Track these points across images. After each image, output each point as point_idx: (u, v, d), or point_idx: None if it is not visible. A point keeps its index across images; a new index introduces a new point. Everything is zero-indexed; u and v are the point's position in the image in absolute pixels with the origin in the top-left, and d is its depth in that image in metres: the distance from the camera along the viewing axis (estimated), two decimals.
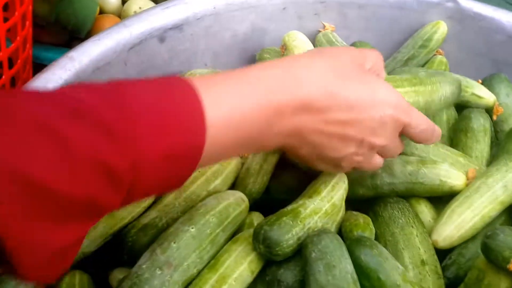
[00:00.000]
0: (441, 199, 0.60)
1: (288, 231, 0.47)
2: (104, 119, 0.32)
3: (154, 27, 0.70)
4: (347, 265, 0.46)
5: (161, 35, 0.71)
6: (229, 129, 0.38)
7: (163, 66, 0.73)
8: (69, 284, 0.48)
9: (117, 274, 0.50)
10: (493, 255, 0.46)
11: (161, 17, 0.71)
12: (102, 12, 0.94)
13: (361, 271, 0.47)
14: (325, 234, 0.47)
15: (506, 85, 0.76)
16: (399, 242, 0.54)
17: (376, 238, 0.55)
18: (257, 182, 0.55)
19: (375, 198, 0.61)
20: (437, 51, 0.83)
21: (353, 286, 0.45)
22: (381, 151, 0.50)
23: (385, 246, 0.53)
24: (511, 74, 0.79)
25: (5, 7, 0.63)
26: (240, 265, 0.47)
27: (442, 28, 0.81)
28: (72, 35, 0.86)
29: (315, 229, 0.50)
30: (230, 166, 0.56)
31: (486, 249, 0.47)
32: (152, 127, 0.34)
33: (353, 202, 0.61)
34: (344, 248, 0.48)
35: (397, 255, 0.52)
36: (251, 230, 0.49)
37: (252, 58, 0.81)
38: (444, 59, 0.82)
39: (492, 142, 0.70)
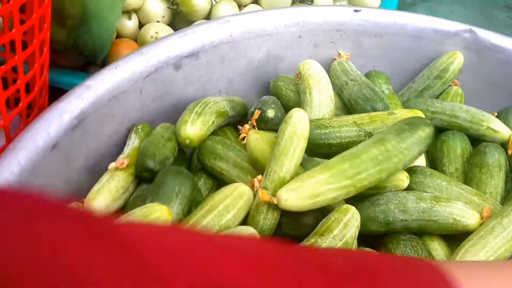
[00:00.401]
0: (455, 236, 0.59)
1: None
2: None
3: (170, 55, 0.70)
4: None
5: (177, 63, 0.71)
6: None
7: (178, 93, 0.73)
8: None
9: None
10: None
11: (178, 45, 0.71)
12: (118, 36, 0.94)
13: None
14: None
15: None
16: None
17: None
18: (268, 218, 0.55)
19: (388, 234, 0.60)
20: (453, 82, 0.82)
21: None
22: None
23: None
24: None
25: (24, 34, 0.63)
26: None
27: (458, 59, 0.80)
28: (88, 60, 0.87)
29: None
30: (242, 200, 0.56)
31: None
32: None
33: (365, 237, 0.61)
34: None
35: None
36: None
37: (266, 85, 0.81)
38: (460, 90, 0.82)
39: (507, 177, 0.69)
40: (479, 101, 0.80)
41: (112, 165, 0.62)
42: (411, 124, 0.60)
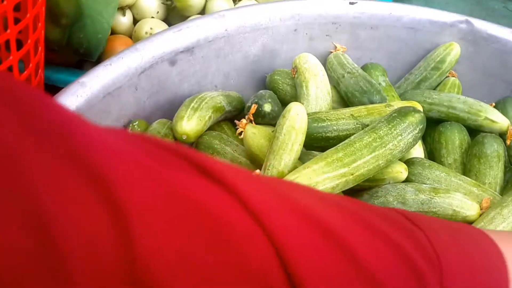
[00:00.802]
0: None
1: None
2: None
3: (165, 51, 0.70)
4: None
5: (172, 58, 0.71)
6: None
7: (174, 89, 0.73)
8: None
9: None
10: None
11: (173, 40, 0.71)
12: (113, 32, 0.94)
13: None
14: None
15: None
16: None
17: None
18: None
19: None
20: (450, 73, 0.82)
21: None
22: None
23: None
24: None
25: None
26: None
27: (455, 50, 0.80)
28: (83, 58, 0.86)
29: None
30: None
31: None
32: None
33: None
34: None
35: None
36: None
37: (262, 80, 0.81)
38: (457, 81, 0.81)
39: (506, 167, 0.69)
40: (476, 92, 0.80)
41: None
42: (400, 112, 0.60)
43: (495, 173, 0.67)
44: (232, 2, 1.01)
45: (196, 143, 0.67)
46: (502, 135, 0.72)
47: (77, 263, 0.20)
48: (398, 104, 0.68)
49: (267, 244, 0.25)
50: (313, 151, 0.63)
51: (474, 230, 0.38)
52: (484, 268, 0.34)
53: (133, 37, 0.94)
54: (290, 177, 0.53)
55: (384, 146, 0.56)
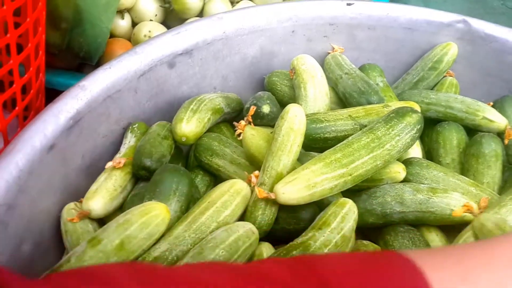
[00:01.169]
0: (453, 227, 0.60)
1: None
2: None
3: (164, 54, 0.70)
4: None
5: (171, 61, 0.71)
6: None
7: (173, 91, 0.73)
8: None
9: None
10: None
11: (172, 43, 0.71)
12: (112, 35, 0.94)
13: None
14: None
15: None
16: None
17: None
18: (266, 213, 0.55)
19: (385, 226, 0.60)
20: (447, 73, 0.83)
21: None
22: None
23: None
24: None
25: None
26: None
27: (452, 50, 0.81)
28: (83, 61, 0.87)
29: None
30: (240, 196, 0.57)
31: None
32: None
33: (363, 230, 0.61)
34: None
35: None
36: None
37: (260, 81, 0.81)
38: (455, 81, 0.82)
39: (504, 167, 0.69)
40: (474, 91, 0.81)
41: (109, 164, 0.62)
42: (398, 112, 0.60)
43: (493, 172, 0.67)
44: (229, 4, 1.02)
45: (195, 144, 0.67)
46: (500, 134, 0.72)
47: None
48: (395, 104, 0.68)
49: None
50: (311, 152, 0.64)
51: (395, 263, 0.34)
52: None
53: (132, 40, 0.95)
54: (289, 178, 0.53)
55: (382, 147, 0.57)
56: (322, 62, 0.81)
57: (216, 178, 0.67)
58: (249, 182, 0.58)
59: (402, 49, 0.85)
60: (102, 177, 0.62)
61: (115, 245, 0.49)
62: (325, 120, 0.65)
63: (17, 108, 0.63)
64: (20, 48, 0.64)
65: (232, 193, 0.56)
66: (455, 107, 0.73)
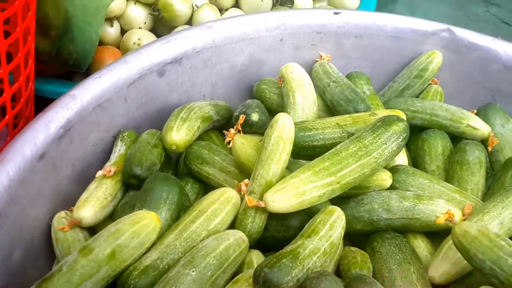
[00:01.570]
0: (438, 233, 0.61)
1: (288, 273, 0.48)
2: None
3: (154, 62, 0.71)
4: None
5: (161, 69, 0.72)
6: None
7: (162, 99, 0.74)
8: None
9: None
10: None
11: (161, 52, 0.72)
12: (101, 43, 0.94)
13: None
14: (324, 277, 0.48)
15: (501, 115, 0.77)
16: (396, 279, 0.55)
17: (374, 275, 0.56)
18: (256, 222, 0.56)
19: (373, 232, 0.62)
20: (432, 81, 0.84)
21: None
22: None
23: (383, 283, 0.54)
24: (506, 104, 0.80)
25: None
26: None
27: (437, 58, 0.82)
28: (72, 69, 0.87)
29: (314, 270, 0.50)
30: (230, 205, 0.57)
31: None
32: None
33: (351, 236, 0.62)
34: None
35: None
36: (251, 271, 0.50)
37: (249, 89, 0.82)
38: (439, 89, 0.83)
39: (487, 173, 0.71)
40: (458, 99, 0.82)
41: (100, 173, 0.63)
42: (384, 121, 0.62)
43: (477, 179, 0.68)
44: (218, 12, 1.03)
45: (185, 153, 0.68)
46: (484, 141, 0.74)
47: None
48: (382, 112, 0.69)
49: None
50: (300, 160, 0.65)
51: None
52: None
53: (121, 47, 0.95)
54: (278, 187, 0.54)
55: (369, 155, 0.58)
56: (310, 70, 0.82)
57: (206, 185, 0.68)
58: (239, 190, 0.59)
59: (388, 57, 0.86)
60: (92, 186, 0.62)
61: (107, 254, 0.49)
62: (314, 128, 0.66)
63: (7, 117, 0.64)
64: (9, 57, 0.64)
65: (222, 202, 0.57)
66: (440, 115, 0.75)
